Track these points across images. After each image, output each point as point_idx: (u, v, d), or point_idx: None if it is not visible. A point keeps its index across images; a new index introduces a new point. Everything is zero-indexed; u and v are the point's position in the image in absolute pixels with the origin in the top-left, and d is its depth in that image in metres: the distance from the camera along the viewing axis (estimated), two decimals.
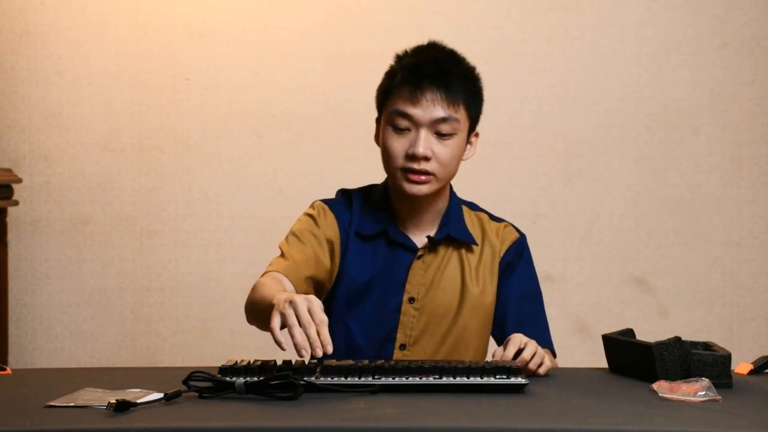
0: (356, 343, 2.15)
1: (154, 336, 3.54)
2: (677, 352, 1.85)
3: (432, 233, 2.19)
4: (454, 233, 2.19)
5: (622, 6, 3.56)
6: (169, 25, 3.53)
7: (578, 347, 3.52)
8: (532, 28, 3.56)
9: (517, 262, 2.23)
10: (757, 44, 3.57)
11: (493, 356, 1.94)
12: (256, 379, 1.66)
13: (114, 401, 1.52)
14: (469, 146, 2.17)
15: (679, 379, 1.78)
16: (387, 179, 2.21)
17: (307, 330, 1.71)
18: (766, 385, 1.87)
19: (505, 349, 1.92)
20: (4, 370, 1.93)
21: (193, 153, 3.54)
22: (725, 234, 3.58)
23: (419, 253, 2.18)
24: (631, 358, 1.92)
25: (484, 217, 2.26)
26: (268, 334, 1.76)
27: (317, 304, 1.75)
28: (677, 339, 1.87)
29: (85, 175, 3.53)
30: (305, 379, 1.66)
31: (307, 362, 1.76)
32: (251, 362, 1.76)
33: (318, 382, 1.67)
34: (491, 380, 1.71)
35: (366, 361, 1.77)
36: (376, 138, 2.20)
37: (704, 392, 1.67)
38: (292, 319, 1.72)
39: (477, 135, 2.19)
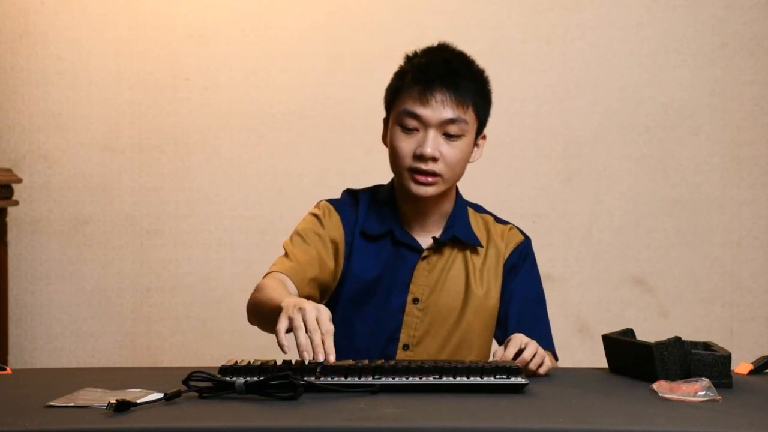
0: (360, 343, 2.15)
1: (154, 336, 3.54)
2: (677, 352, 1.85)
3: (437, 234, 2.19)
4: (459, 235, 2.19)
5: (622, 6, 3.56)
6: (169, 25, 3.53)
7: (578, 347, 3.52)
8: (532, 28, 3.56)
9: (521, 265, 2.23)
10: (757, 44, 3.57)
11: (494, 356, 1.94)
12: (256, 379, 1.66)
13: (114, 401, 1.52)
14: (476, 148, 2.17)
15: (679, 379, 1.78)
16: (393, 179, 2.21)
17: (312, 335, 1.71)
18: (766, 385, 1.87)
19: (505, 349, 1.92)
20: (4, 370, 1.93)
21: (193, 153, 3.54)
22: (725, 234, 3.58)
23: (424, 253, 2.18)
24: (631, 358, 1.92)
25: (490, 219, 2.26)
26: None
27: (326, 314, 1.75)
28: (677, 339, 1.87)
29: (85, 175, 3.53)
30: (305, 379, 1.66)
31: (306, 363, 1.76)
32: (251, 362, 1.76)
33: (318, 382, 1.68)
34: (491, 380, 1.71)
35: (366, 361, 1.76)
36: (384, 138, 2.19)
37: (704, 392, 1.67)
38: (299, 323, 1.73)
39: (484, 137, 2.19)
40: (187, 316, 3.55)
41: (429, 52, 2.16)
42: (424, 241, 2.19)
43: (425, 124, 2.09)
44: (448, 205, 2.20)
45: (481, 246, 2.21)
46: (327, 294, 2.20)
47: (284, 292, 1.97)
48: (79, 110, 3.53)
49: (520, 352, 1.90)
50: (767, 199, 3.57)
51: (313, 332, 1.71)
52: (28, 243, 3.53)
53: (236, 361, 1.76)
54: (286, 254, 2.15)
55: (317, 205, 2.24)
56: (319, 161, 3.54)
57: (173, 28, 3.53)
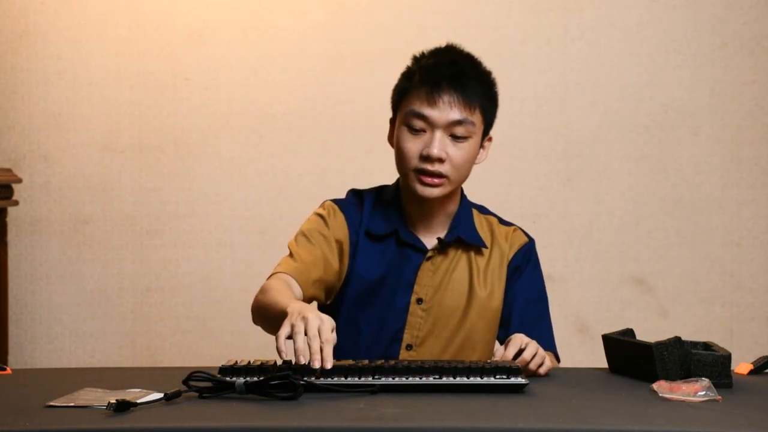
0: (364, 343, 2.16)
1: (154, 336, 3.54)
2: (677, 352, 1.85)
3: (442, 235, 2.20)
4: (464, 236, 2.19)
5: (622, 6, 3.56)
6: (169, 25, 3.53)
7: (578, 347, 3.52)
8: (532, 28, 3.56)
9: (524, 266, 2.24)
10: (757, 44, 3.57)
11: (494, 356, 1.94)
12: (256, 379, 1.66)
13: (114, 401, 1.52)
14: (482, 150, 2.17)
15: (679, 379, 1.78)
16: (398, 180, 2.21)
17: (311, 341, 1.70)
18: (766, 385, 1.87)
19: (505, 349, 1.92)
20: (4, 370, 1.93)
21: (193, 153, 3.54)
22: (725, 234, 3.58)
23: (429, 254, 2.18)
24: (631, 358, 1.92)
25: (494, 220, 2.27)
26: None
27: (329, 324, 1.74)
28: (677, 339, 1.87)
29: (85, 175, 3.53)
30: (305, 379, 1.66)
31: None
32: (251, 362, 1.76)
33: (318, 382, 1.67)
34: (491, 380, 1.71)
35: (366, 361, 1.77)
36: (390, 138, 2.19)
37: (704, 392, 1.67)
38: (299, 328, 1.72)
39: (490, 139, 2.20)
40: (187, 316, 3.55)
41: (437, 53, 2.16)
42: (429, 241, 2.19)
43: (432, 125, 2.09)
44: (453, 206, 2.20)
45: (486, 247, 2.21)
46: (332, 294, 2.20)
47: (289, 296, 1.96)
48: (79, 110, 3.53)
49: (520, 352, 1.90)
50: (767, 199, 3.57)
51: (312, 339, 1.70)
52: (28, 243, 3.53)
53: (236, 361, 1.76)
54: (291, 255, 2.15)
55: (322, 205, 2.24)
56: (319, 161, 3.54)
57: (173, 28, 3.53)
